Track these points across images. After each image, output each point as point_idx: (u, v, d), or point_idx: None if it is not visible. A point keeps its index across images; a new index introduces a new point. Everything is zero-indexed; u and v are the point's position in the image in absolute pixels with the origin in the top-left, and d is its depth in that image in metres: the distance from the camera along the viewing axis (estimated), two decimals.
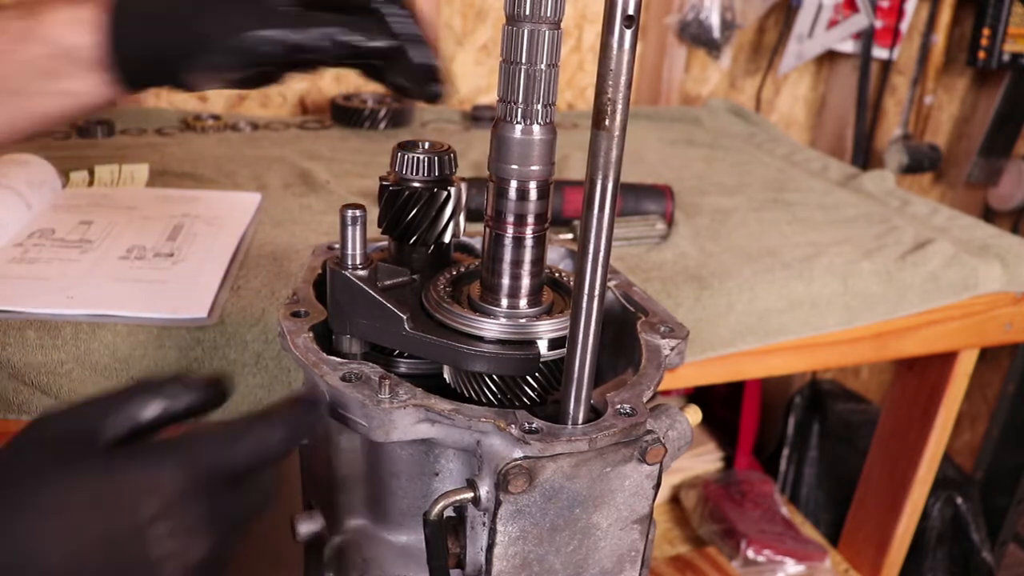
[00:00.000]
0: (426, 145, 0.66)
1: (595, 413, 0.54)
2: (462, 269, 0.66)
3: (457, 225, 0.66)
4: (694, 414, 0.62)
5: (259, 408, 0.51)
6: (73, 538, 0.43)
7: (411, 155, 0.65)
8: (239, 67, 0.59)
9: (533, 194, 0.57)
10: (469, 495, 0.53)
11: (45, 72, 0.45)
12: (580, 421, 0.53)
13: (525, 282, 0.59)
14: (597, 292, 0.51)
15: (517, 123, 0.55)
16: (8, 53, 0.44)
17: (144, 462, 0.46)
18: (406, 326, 0.59)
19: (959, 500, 1.84)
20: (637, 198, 1.23)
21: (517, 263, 0.59)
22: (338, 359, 0.57)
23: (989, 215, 2.30)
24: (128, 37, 0.52)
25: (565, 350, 0.53)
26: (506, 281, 0.59)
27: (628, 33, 0.44)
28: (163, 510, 0.45)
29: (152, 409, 0.49)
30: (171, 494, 0.45)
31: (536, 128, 0.55)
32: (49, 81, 0.45)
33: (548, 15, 0.52)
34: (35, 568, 0.41)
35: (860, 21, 1.98)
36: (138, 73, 0.52)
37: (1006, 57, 2.04)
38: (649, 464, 0.54)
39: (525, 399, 0.60)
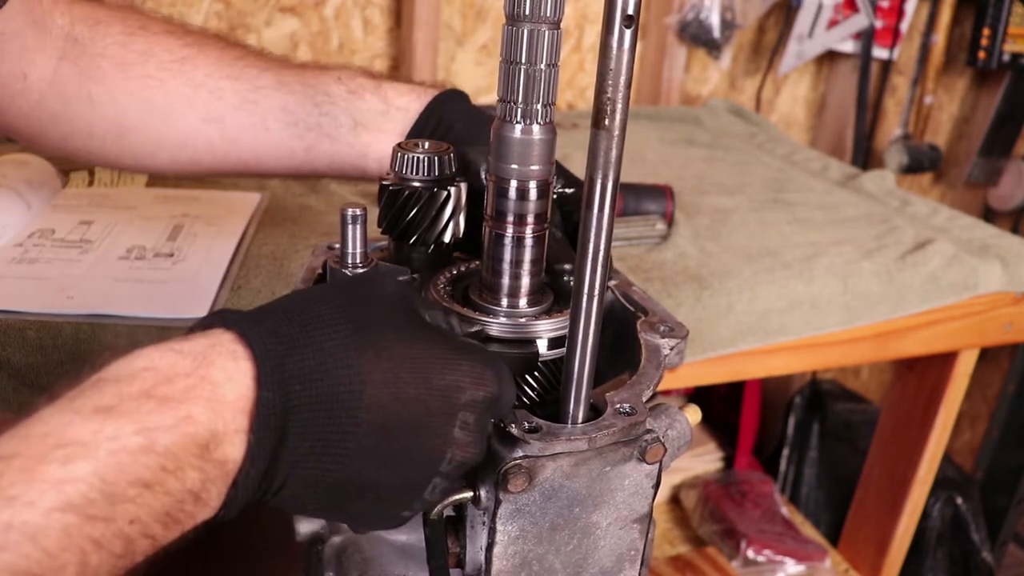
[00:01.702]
0: (426, 145, 0.67)
1: (595, 412, 0.54)
2: (462, 268, 0.66)
3: (457, 225, 0.66)
4: (694, 414, 0.62)
5: None
6: (397, 387, 0.46)
7: (411, 155, 0.65)
8: None
9: (533, 194, 0.57)
10: (469, 494, 0.53)
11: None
12: (580, 420, 0.53)
13: (525, 281, 0.59)
14: (597, 292, 0.51)
15: (517, 123, 0.55)
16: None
17: (479, 356, 0.49)
18: None
19: (959, 500, 1.84)
20: (637, 198, 1.23)
21: (517, 263, 0.59)
22: None
23: (989, 215, 2.30)
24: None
25: (565, 349, 0.53)
26: (506, 281, 0.59)
27: (628, 33, 0.44)
28: (475, 404, 0.48)
29: (444, 324, 0.54)
30: (487, 394, 0.49)
31: (536, 128, 0.55)
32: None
33: (548, 15, 0.52)
34: (353, 396, 0.44)
35: (860, 21, 1.98)
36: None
37: (1006, 57, 2.04)
38: (648, 463, 0.54)
39: (525, 398, 0.60)
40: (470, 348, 0.50)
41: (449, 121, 0.77)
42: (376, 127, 0.80)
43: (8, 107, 0.77)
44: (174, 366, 0.41)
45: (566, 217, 0.71)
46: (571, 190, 0.72)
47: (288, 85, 0.80)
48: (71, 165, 1.25)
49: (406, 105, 0.80)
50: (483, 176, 0.69)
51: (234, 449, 0.42)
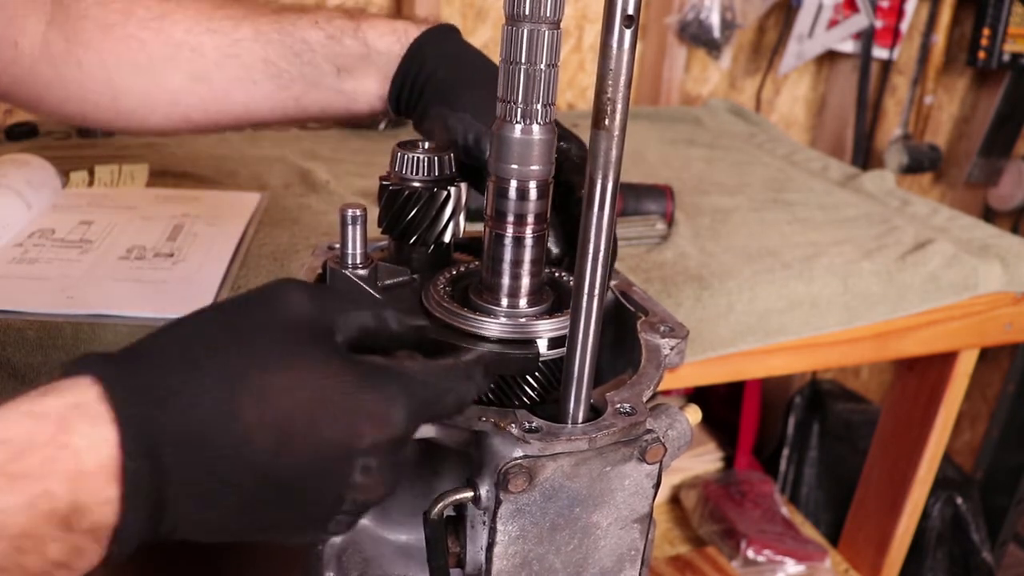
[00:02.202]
0: (426, 145, 0.66)
1: (595, 412, 0.54)
2: (462, 269, 0.66)
3: (457, 225, 0.66)
4: (694, 414, 0.62)
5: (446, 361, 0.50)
6: (283, 441, 0.42)
7: (411, 155, 0.65)
8: None
9: (533, 194, 0.57)
10: (469, 494, 0.53)
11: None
12: (580, 420, 0.53)
13: (525, 282, 0.59)
14: (597, 292, 0.51)
15: (517, 123, 0.55)
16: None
17: (385, 393, 0.45)
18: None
19: (959, 500, 1.84)
20: (637, 198, 1.23)
21: (517, 263, 0.59)
22: None
23: (989, 215, 2.30)
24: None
25: (565, 349, 0.53)
26: (506, 281, 0.59)
27: (628, 33, 0.44)
28: (378, 447, 0.45)
29: (375, 323, 0.50)
30: (392, 435, 0.45)
31: (536, 128, 0.55)
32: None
33: (548, 15, 0.52)
34: (236, 456, 0.41)
35: (860, 21, 1.98)
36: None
37: (1006, 57, 2.04)
38: (649, 463, 0.54)
39: (525, 398, 0.60)
40: (374, 381, 0.45)
41: (431, 67, 0.74)
42: (360, 72, 0.77)
43: (2, 74, 0.76)
44: (31, 436, 0.38)
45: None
46: (564, 144, 0.68)
47: (266, 35, 0.78)
48: (71, 165, 1.25)
49: (387, 48, 0.76)
50: (460, 138, 0.66)
51: (106, 517, 0.39)
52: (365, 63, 0.77)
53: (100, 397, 0.40)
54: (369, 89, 0.78)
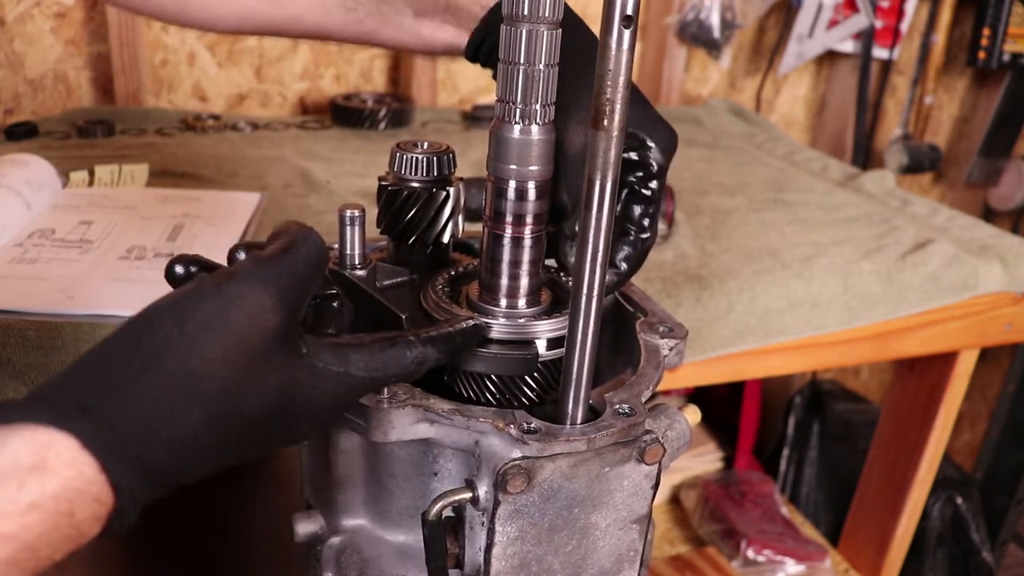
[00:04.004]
0: (425, 145, 0.66)
1: (594, 413, 0.54)
2: (460, 269, 0.66)
3: (456, 225, 0.66)
4: (693, 414, 0.62)
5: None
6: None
7: (410, 155, 0.65)
8: None
9: (532, 194, 0.57)
10: (468, 495, 0.53)
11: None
12: (579, 421, 0.53)
13: (523, 282, 0.59)
14: (596, 292, 0.51)
15: (515, 123, 0.55)
16: None
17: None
18: (404, 326, 0.59)
19: (959, 500, 1.84)
20: None
21: (515, 263, 0.59)
22: None
23: (989, 215, 2.29)
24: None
25: (564, 350, 0.53)
26: (504, 281, 0.59)
27: (626, 33, 0.44)
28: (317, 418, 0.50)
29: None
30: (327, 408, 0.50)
31: (535, 128, 0.55)
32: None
33: (546, 15, 0.52)
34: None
35: (860, 21, 1.98)
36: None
37: (1006, 57, 2.04)
38: (648, 464, 0.54)
39: (524, 399, 0.60)
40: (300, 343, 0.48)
41: None
42: (439, 19, 0.76)
43: None
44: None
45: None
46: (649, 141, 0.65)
47: None
48: (71, 165, 1.25)
49: (467, 5, 0.75)
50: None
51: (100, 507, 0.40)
52: (444, 13, 0.76)
53: (105, 488, 0.40)
54: (446, 37, 0.77)
